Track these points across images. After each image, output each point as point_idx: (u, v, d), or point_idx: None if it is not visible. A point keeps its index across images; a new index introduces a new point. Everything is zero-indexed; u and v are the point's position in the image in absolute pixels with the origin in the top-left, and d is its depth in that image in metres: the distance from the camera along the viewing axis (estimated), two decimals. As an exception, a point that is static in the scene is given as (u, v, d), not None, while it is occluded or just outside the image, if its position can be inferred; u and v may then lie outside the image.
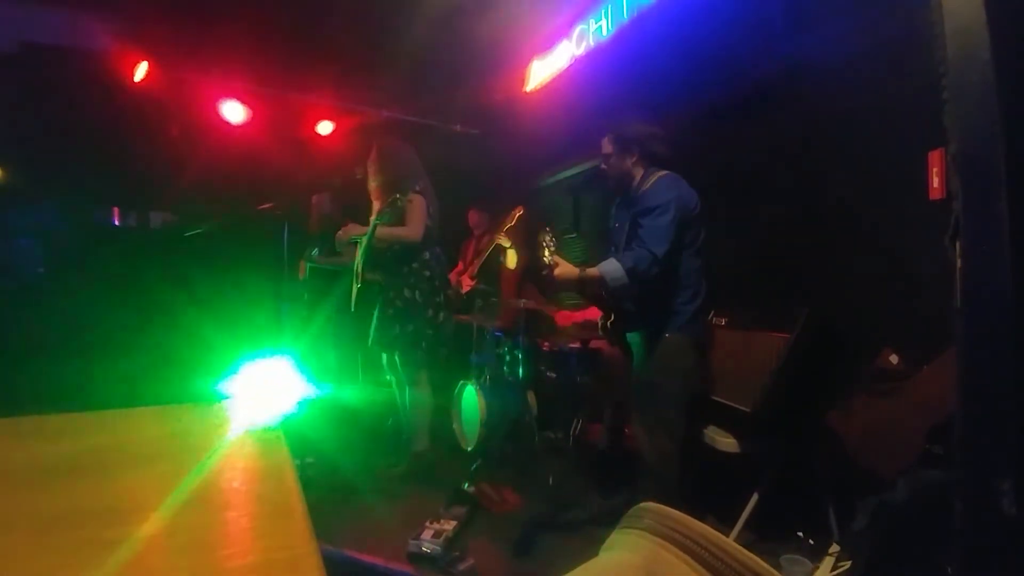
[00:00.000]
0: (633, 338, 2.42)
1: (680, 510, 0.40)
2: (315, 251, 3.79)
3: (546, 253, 2.19)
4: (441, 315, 2.93)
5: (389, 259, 2.90)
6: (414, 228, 2.79)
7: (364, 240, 2.82)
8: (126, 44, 3.90)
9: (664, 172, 2.27)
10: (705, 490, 2.60)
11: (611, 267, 2.12)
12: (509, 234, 3.70)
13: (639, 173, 2.31)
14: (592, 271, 2.15)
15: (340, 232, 2.97)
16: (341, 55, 4.01)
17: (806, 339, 2.14)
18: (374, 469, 2.99)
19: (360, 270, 2.86)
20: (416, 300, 2.86)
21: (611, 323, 2.39)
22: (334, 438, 3.06)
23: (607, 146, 2.33)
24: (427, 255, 2.89)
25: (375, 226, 2.78)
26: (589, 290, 2.32)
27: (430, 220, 2.88)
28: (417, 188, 2.85)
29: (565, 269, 2.18)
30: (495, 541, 2.31)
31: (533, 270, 3.44)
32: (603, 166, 2.36)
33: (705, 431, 2.36)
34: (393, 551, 2.13)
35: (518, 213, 3.68)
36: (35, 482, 0.66)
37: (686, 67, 2.89)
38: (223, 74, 4.21)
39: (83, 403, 1.00)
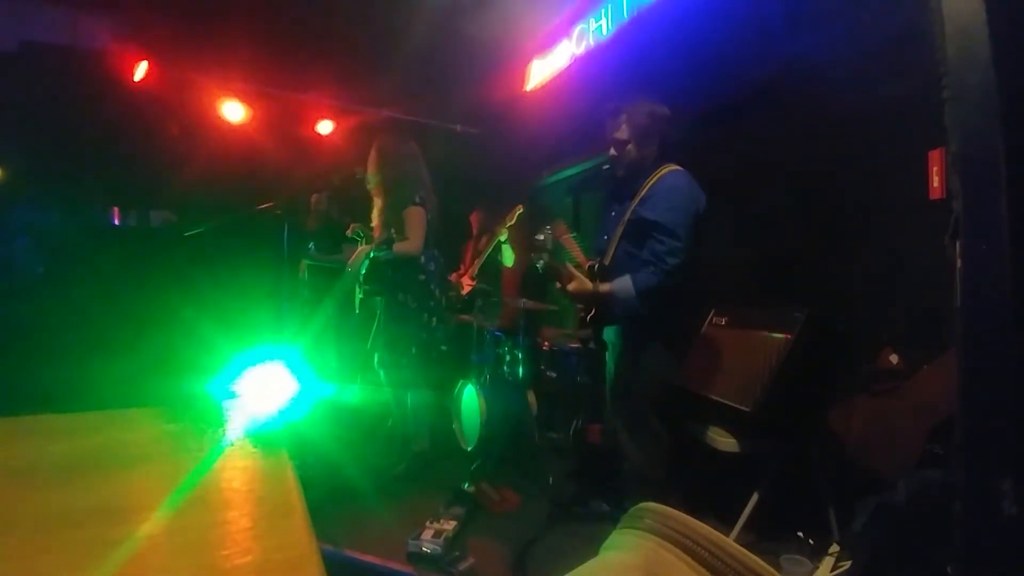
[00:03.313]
0: (609, 336, 2.34)
1: (677, 509, 0.40)
2: (311, 247, 3.80)
3: (544, 256, 2.16)
4: (435, 319, 2.94)
5: (386, 268, 2.93)
6: (414, 242, 2.83)
7: (365, 262, 2.89)
8: (126, 43, 3.90)
9: (672, 167, 2.16)
10: (705, 490, 2.60)
11: (623, 288, 2.07)
12: (509, 232, 3.70)
13: (648, 162, 2.19)
14: (604, 288, 2.11)
15: (348, 263, 3.05)
16: (341, 54, 4.02)
17: (806, 339, 2.13)
18: (374, 469, 2.99)
19: (361, 281, 2.94)
20: (409, 305, 2.89)
21: (591, 317, 2.31)
22: (334, 438, 3.06)
23: (623, 132, 2.16)
24: (423, 259, 2.91)
25: (374, 254, 2.88)
26: (597, 304, 2.22)
27: (428, 226, 2.89)
28: (416, 199, 2.86)
29: (581, 285, 2.13)
30: (495, 541, 2.31)
31: (535, 274, 3.44)
32: (614, 153, 2.20)
33: (705, 431, 2.36)
34: (393, 551, 2.13)
35: (517, 211, 3.68)
36: (35, 482, 0.66)
37: (686, 66, 2.89)
38: (223, 73, 4.21)
39: (83, 403, 1.00)
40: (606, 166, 2.29)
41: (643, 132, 2.15)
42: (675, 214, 2.04)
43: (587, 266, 2.24)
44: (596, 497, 2.62)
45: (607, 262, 2.22)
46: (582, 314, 2.32)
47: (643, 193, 2.14)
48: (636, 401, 2.22)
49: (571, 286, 2.11)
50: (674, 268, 2.02)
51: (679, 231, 2.02)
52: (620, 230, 2.18)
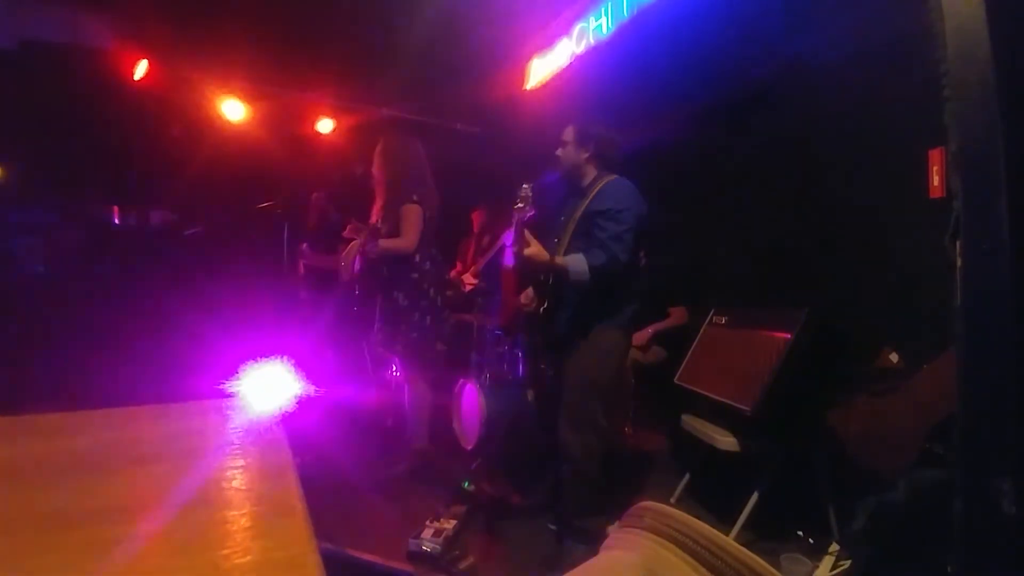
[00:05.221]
0: (558, 328, 2.32)
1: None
2: (304, 245, 3.82)
3: (523, 208, 2.20)
4: (428, 318, 2.94)
5: (381, 265, 2.95)
6: (408, 239, 2.84)
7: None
8: (126, 42, 3.90)
9: (616, 176, 2.29)
10: (705, 489, 2.60)
11: (576, 262, 2.14)
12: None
13: (590, 172, 2.34)
14: (561, 261, 2.16)
15: (342, 258, 3.05)
16: (341, 53, 4.01)
17: (806, 339, 2.14)
18: (374, 469, 2.99)
19: (357, 277, 2.94)
20: (401, 304, 2.89)
21: (544, 310, 2.31)
22: (334, 438, 3.06)
23: (568, 134, 2.35)
24: (418, 258, 2.91)
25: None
26: (548, 277, 2.28)
27: (427, 224, 2.89)
28: (414, 197, 2.86)
29: (539, 251, 2.15)
30: (495, 540, 2.31)
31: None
32: (558, 152, 2.39)
33: (705, 430, 2.36)
34: (393, 550, 2.13)
35: (529, 213, 3.66)
36: (35, 482, 0.66)
37: (686, 65, 2.89)
38: (223, 72, 4.21)
39: (83, 403, 1.00)
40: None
41: (584, 136, 2.32)
42: (622, 205, 2.17)
43: None
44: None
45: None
46: (537, 306, 2.32)
47: (592, 194, 2.27)
48: (590, 395, 2.20)
49: (528, 250, 2.14)
50: (620, 252, 2.11)
51: (624, 221, 2.14)
52: (571, 227, 2.29)
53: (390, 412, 3.45)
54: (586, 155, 2.33)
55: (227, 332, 3.17)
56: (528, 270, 2.28)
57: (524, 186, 2.23)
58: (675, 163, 2.50)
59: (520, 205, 2.20)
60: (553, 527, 2.39)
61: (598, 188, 2.27)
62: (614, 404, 2.27)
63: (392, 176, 2.92)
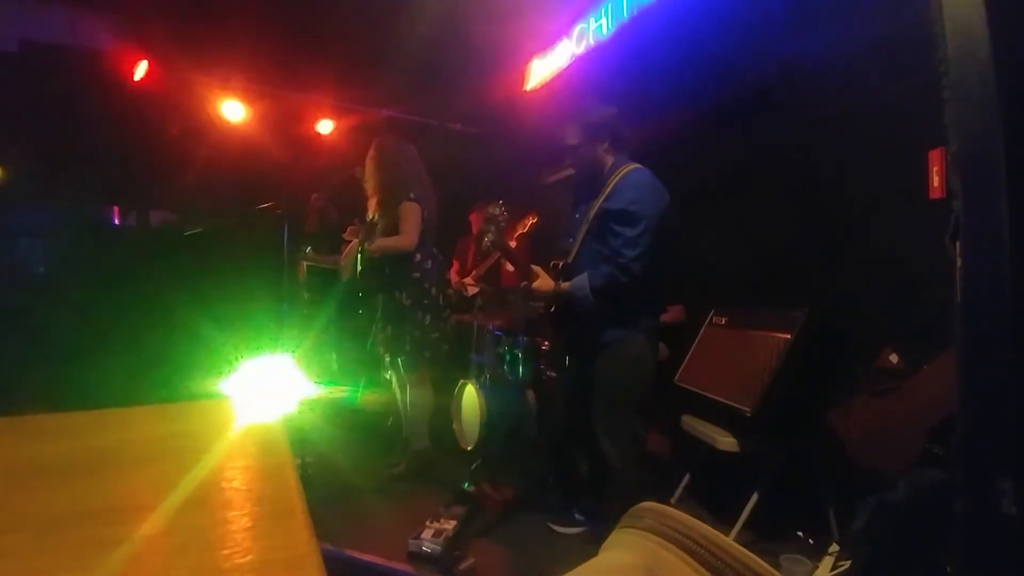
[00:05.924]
0: (583, 331, 2.22)
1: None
2: (308, 249, 3.82)
3: (491, 233, 2.15)
4: (428, 318, 2.94)
5: (383, 264, 2.94)
6: (408, 237, 2.83)
7: (358, 257, 2.90)
8: (126, 43, 3.90)
9: (635, 165, 2.14)
10: (705, 490, 2.60)
11: (580, 286, 2.08)
12: (519, 240, 3.67)
13: (607, 162, 2.17)
14: (564, 286, 2.12)
15: (342, 258, 3.07)
16: (341, 54, 4.02)
17: (806, 339, 2.14)
18: (374, 469, 2.99)
19: (359, 277, 2.94)
20: (403, 303, 2.89)
21: (553, 315, 2.24)
22: (334, 438, 3.06)
23: (572, 137, 2.18)
24: (419, 257, 2.91)
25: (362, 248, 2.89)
26: (558, 302, 2.21)
27: (425, 223, 2.89)
28: (412, 196, 2.86)
29: (543, 283, 2.15)
30: (495, 541, 2.31)
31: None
32: (569, 163, 2.25)
33: (705, 430, 2.36)
34: (393, 550, 2.13)
35: (531, 221, 3.65)
36: (35, 482, 0.66)
37: (686, 66, 2.89)
38: (223, 73, 4.21)
39: (83, 402, 1.00)
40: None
41: (590, 130, 2.16)
42: (637, 206, 2.01)
43: (551, 264, 2.23)
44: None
45: (571, 260, 2.21)
46: (546, 309, 2.27)
47: (607, 191, 2.12)
48: (625, 406, 2.13)
49: (534, 284, 2.14)
50: (631, 261, 1.98)
51: (640, 221, 1.99)
52: (585, 228, 2.17)
53: (390, 412, 3.45)
54: (604, 146, 2.17)
55: (228, 333, 3.17)
56: (535, 299, 2.25)
57: (489, 208, 2.15)
58: (675, 162, 2.49)
59: (490, 235, 2.13)
60: (555, 527, 2.40)
61: (614, 183, 2.11)
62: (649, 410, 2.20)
63: (388, 177, 2.92)
